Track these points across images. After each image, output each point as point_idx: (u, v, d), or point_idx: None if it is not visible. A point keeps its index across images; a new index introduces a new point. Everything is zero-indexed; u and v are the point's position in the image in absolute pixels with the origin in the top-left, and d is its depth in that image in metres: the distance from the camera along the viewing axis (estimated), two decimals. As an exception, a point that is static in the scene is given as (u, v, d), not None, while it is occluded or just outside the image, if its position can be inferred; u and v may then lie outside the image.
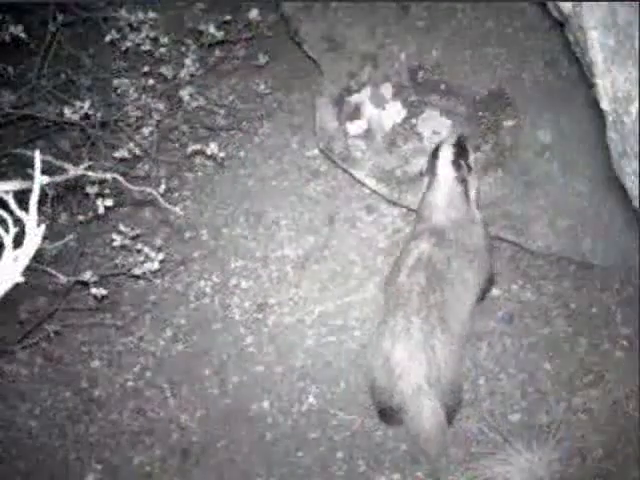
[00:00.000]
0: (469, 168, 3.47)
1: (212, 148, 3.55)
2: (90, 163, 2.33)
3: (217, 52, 4.20)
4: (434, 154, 3.49)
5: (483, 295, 3.56)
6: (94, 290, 3.19)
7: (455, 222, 3.40)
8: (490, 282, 3.60)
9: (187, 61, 3.84)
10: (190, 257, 3.94)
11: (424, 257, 3.31)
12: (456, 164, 3.44)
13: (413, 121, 3.82)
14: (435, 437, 3.25)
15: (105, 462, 3.43)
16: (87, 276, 3.19)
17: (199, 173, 4.19)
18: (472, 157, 3.53)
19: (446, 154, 3.45)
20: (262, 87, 4.24)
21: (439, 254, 3.33)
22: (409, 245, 3.42)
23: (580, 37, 2.24)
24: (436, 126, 3.80)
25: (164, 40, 3.78)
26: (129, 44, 3.72)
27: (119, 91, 3.84)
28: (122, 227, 3.33)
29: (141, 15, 3.60)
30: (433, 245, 3.34)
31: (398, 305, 3.26)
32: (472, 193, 3.46)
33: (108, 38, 3.69)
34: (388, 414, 3.34)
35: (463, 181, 3.44)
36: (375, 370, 3.31)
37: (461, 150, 3.47)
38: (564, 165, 3.72)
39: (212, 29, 3.78)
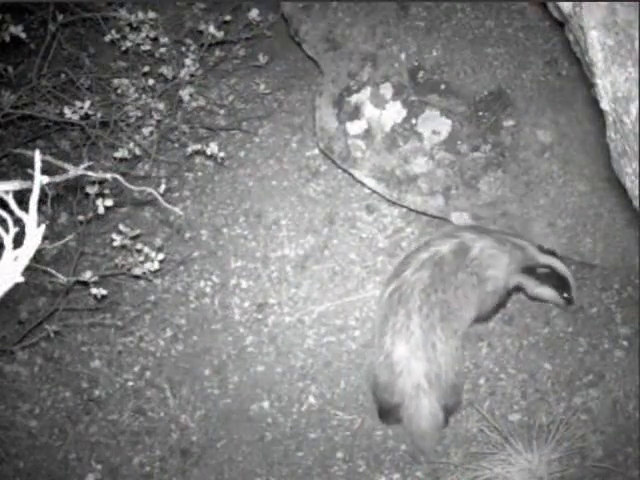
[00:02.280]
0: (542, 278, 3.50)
1: (212, 148, 3.54)
2: (90, 163, 2.31)
3: (217, 52, 4.20)
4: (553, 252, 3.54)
5: (479, 320, 3.56)
6: (94, 290, 3.19)
7: (486, 252, 3.41)
8: (484, 318, 3.58)
9: (187, 61, 3.84)
10: (190, 257, 3.94)
11: (437, 257, 3.34)
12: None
13: (413, 121, 3.82)
14: (430, 437, 3.26)
15: (105, 462, 3.43)
16: (87, 276, 3.18)
17: (199, 173, 4.18)
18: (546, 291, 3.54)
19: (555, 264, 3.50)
20: (262, 87, 4.24)
21: (451, 261, 3.35)
22: (431, 241, 3.45)
23: (580, 37, 2.24)
24: (436, 126, 3.80)
25: (164, 40, 3.79)
26: (129, 44, 3.72)
27: (119, 91, 3.84)
28: (122, 227, 3.32)
29: (141, 15, 3.60)
30: (451, 251, 3.36)
31: (400, 302, 3.27)
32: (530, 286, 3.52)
33: (108, 38, 3.69)
34: (388, 412, 3.35)
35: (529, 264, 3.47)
36: (377, 367, 3.32)
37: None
38: (564, 165, 3.72)
39: (212, 29, 3.78)
